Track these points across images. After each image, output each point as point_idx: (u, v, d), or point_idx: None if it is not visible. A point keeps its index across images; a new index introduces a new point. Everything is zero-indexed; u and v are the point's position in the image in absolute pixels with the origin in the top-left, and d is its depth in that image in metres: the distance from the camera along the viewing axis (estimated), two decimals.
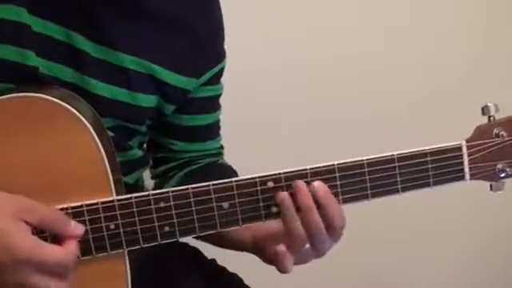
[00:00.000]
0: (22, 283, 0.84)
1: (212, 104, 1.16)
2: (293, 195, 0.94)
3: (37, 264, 0.84)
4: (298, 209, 0.94)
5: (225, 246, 1.12)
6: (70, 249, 0.87)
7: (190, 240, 1.07)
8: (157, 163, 1.20)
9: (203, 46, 1.08)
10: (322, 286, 1.79)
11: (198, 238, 1.10)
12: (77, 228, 0.89)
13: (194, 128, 1.15)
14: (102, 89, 1.00)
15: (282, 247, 0.96)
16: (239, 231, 1.02)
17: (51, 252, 0.85)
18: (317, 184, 0.94)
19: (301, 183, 0.93)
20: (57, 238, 0.88)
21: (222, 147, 1.22)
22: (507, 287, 1.98)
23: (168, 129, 1.14)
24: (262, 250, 1.03)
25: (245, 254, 1.13)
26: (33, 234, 0.85)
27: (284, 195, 0.93)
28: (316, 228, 0.94)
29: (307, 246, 0.96)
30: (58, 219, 0.88)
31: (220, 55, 1.13)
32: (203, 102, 1.13)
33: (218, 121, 1.19)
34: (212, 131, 1.19)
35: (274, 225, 0.99)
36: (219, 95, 1.17)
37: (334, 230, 0.95)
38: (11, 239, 0.82)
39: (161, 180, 1.19)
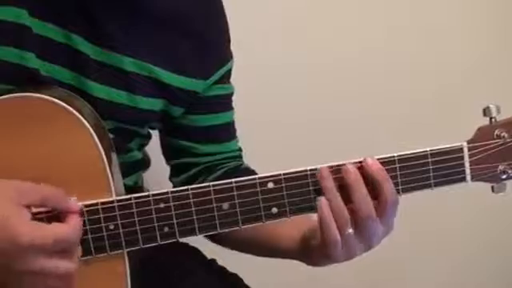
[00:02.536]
0: (31, 270, 0.83)
1: (224, 102, 1.15)
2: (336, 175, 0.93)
3: (40, 246, 0.82)
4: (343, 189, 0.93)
5: (268, 255, 1.11)
6: (72, 223, 0.87)
7: (189, 240, 1.07)
8: (178, 171, 1.17)
9: (209, 47, 1.08)
10: (322, 286, 1.79)
11: (231, 247, 1.12)
12: (74, 203, 0.89)
13: (209, 128, 1.13)
14: (101, 91, 0.99)
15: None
16: (285, 240, 1.03)
17: (52, 230, 0.84)
18: (370, 160, 0.93)
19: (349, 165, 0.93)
20: (59, 220, 0.88)
21: (240, 149, 1.20)
22: (507, 287, 1.98)
23: (183, 131, 1.13)
24: (311, 241, 1.00)
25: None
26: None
27: (325, 170, 0.92)
28: (365, 205, 0.92)
29: (350, 230, 0.93)
30: (57, 195, 0.88)
31: (226, 56, 1.13)
32: (214, 100, 1.12)
33: (233, 122, 1.18)
34: (228, 131, 1.17)
35: (315, 218, 0.97)
36: (230, 94, 1.16)
37: (384, 210, 0.93)
38: (13, 226, 0.82)
39: None
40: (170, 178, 1.19)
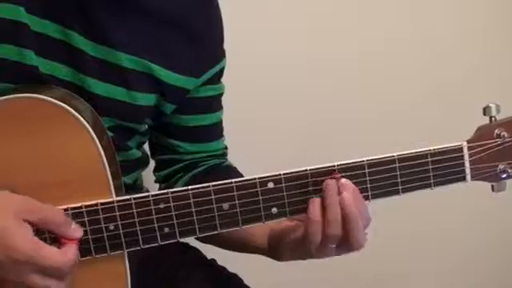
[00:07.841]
0: (21, 281, 0.85)
1: (213, 103, 1.16)
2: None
3: (35, 265, 0.84)
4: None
5: (237, 249, 1.12)
6: (70, 253, 0.88)
7: (189, 240, 1.07)
8: (161, 166, 1.19)
9: (202, 45, 1.08)
10: (323, 286, 1.79)
11: (206, 242, 1.11)
12: (76, 230, 0.90)
13: (197, 128, 1.14)
14: (100, 88, 1.00)
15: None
16: (253, 236, 1.05)
17: (50, 255, 0.85)
18: (344, 180, 0.94)
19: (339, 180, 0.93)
20: (57, 240, 0.89)
21: (226, 148, 1.21)
22: (507, 287, 1.98)
23: (171, 130, 1.14)
24: (279, 243, 1.02)
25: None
26: (35, 234, 0.86)
27: (331, 181, 0.93)
28: (355, 216, 0.93)
29: (333, 246, 0.95)
30: (58, 220, 0.88)
31: (219, 55, 1.13)
32: (204, 101, 1.13)
33: (221, 121, 1.19)
34: (215, 131, 1.18)
35: (288, 222, 1.00)
36: (220, 95, 1.17)
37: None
38: (12, 239, 0.83)
39: (166, 184, 1.18)
40: (154, 172, 1.21)
